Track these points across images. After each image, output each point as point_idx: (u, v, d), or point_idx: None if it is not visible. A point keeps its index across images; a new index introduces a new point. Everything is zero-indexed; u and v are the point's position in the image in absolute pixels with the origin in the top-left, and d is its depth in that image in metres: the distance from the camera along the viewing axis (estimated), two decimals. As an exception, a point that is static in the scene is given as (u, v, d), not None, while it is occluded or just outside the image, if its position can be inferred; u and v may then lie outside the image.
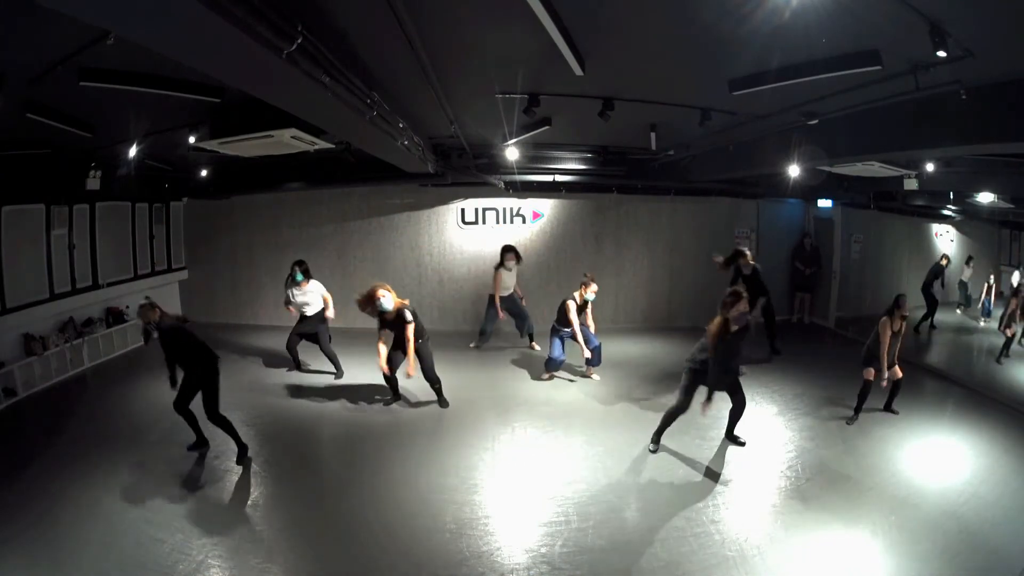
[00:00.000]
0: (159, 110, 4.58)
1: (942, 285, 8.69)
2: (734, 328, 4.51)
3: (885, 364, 5.18)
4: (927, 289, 8.62)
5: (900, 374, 5.35)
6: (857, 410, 5.43)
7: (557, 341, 6.47)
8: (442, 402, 5.86)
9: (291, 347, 6.79)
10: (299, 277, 6.53)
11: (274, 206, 9.06)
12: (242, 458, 4.64)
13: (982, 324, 8.63)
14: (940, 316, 8.66)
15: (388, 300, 5.46)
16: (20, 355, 6.21)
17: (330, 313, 6.73)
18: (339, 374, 6.71)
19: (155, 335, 4.61)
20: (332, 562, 3.48)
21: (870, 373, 5.29)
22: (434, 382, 5.83)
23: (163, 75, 3.85)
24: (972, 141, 4.02)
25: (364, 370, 6.71)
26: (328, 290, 6.81)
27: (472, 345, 7.96)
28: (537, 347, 7.75)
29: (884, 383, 5.27)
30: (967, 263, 9.02)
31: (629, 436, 5.13)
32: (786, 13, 2.66)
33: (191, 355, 4.65)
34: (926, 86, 3.46)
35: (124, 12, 2.00)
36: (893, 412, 5.54)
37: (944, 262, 8.71)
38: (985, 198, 7.04)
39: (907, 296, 5.31)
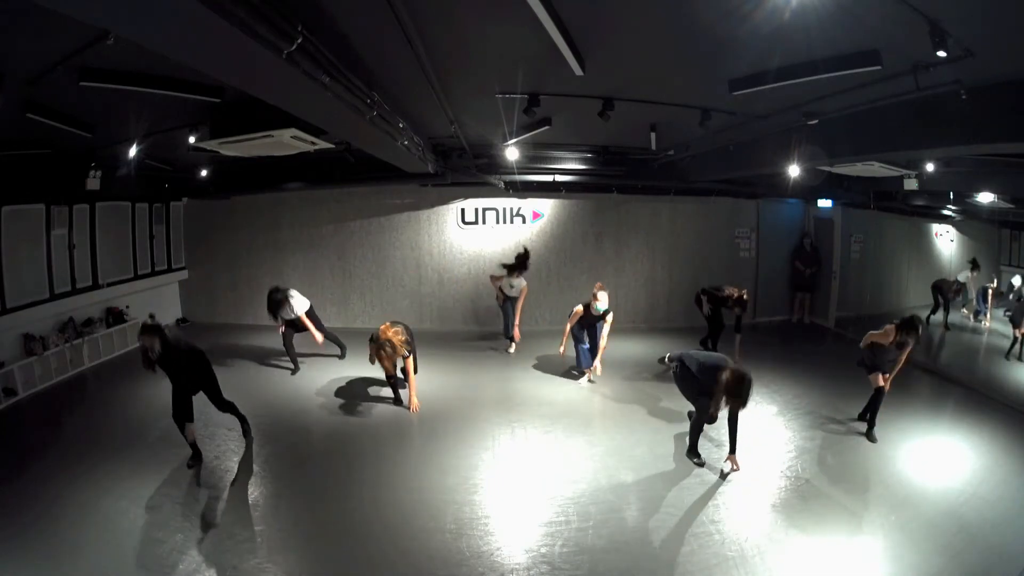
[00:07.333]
0: (159, 110, 4.58)
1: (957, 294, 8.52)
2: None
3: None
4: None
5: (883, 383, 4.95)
6: (871, 424, 5.05)
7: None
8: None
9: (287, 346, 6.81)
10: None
11: (274, 206, 9.07)
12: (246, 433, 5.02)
13: (985, 325, 8.52)
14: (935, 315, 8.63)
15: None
16: (20, 355, 6.21)
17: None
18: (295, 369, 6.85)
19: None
20: (332, 562, 3.47)
21: (877, 379, 4.92)
22: None
23: (163, 75, 3.85)
24: (972, 141, 4.01)
25: (362, 368, 6.72)
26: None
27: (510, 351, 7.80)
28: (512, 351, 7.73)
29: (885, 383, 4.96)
30: (972, 268, 8.77)
31: (629, 436, 5.14)
32: (786, 13, 2.66)
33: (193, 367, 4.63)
34: (926, 86, 3.45)
35: (124, 12, 2.00)
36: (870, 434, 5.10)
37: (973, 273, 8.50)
38: (985, 198, 7.03)
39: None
